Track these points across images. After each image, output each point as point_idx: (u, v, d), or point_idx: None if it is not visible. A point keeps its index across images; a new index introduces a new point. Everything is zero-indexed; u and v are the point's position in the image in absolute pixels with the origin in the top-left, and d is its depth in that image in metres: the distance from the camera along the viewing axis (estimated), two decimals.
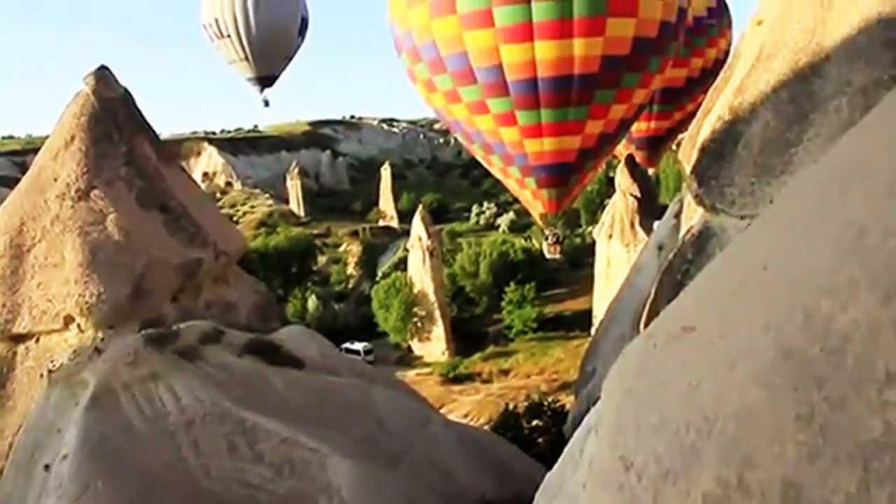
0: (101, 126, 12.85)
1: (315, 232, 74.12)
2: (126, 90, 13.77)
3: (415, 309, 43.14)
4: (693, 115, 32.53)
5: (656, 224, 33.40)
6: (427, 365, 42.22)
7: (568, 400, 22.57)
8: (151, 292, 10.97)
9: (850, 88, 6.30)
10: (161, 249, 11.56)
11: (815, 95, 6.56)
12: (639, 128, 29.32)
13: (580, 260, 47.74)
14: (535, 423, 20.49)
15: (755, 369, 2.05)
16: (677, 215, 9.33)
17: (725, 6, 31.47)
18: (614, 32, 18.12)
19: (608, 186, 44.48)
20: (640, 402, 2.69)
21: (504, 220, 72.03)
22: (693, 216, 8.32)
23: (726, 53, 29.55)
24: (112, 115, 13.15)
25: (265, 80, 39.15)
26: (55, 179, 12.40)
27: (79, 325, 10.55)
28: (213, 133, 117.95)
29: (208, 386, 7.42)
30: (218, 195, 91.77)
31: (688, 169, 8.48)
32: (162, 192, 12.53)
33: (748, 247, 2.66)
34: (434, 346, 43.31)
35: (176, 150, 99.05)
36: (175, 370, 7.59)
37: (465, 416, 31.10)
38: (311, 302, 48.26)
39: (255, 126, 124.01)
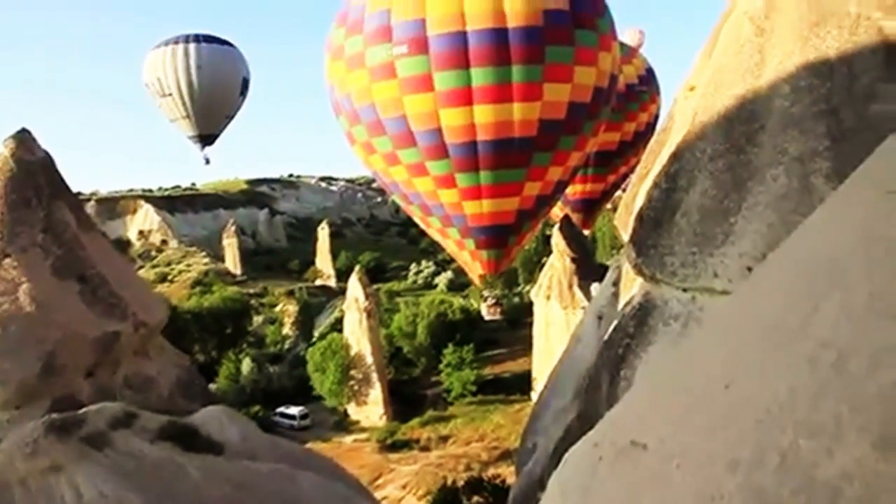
0: (19, 191, 12.17)
1: (251, 291, 72.92)
2: (47, 153, 13.15)
3: (351, 372, 42.22)
4: (626, 177, 34.21)
5: (594, 286, 33.90)
6: (364, 430, 41.29)
7: (509, 471, 22.12)
8: (64, 368, 10.22)
9: (785, 157, 6.18)
10: (76, 322, 10.84)
11: (751, 163, 6.44)
12: (574, 190, 30.22)
13: (519, 319, 47.65)
14: (475, 499, 19.91)
15: None
16: (616, 283, 9.10)
17: (653, 73, 33.33)
18: (551, 97, 18.64)
19: (545, 245, 44.90)
20: None
21: (442, 279, 72.10)
22: (632, 285, 8.10)
23: (656, 118, 31.63)
24: (31, 180, 12.47)
25: (206, 138, 39.13)
26: None
27: None
28: (151, 190, 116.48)
29: (115, 477, 6.71)
30: (154, 253, 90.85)
31: (625, 236, 8.30)
32: (80, 261, 11.83)
33: (706, 352, 2.31)
34: (371, 410, 42.32)
35: (112, 208, 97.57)
36: (79, 460, 6.87)
37: (403, 487, 30.31)
38: (246, 364, 46.97)
39: (193, 184, 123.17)
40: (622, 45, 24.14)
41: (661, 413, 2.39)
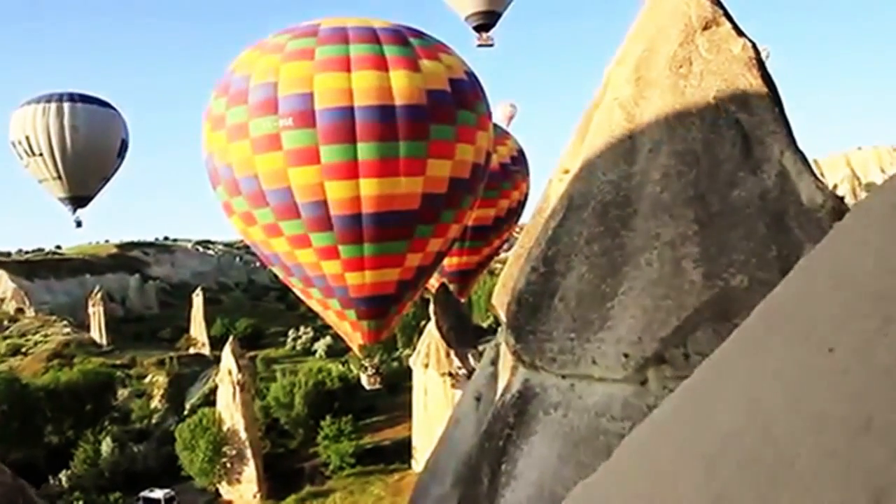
0: None
1: (118, 362, 68.81)
2: None
3: (224, 448, 39.84)
4: (499, 249, 36.44)
5: (471, 356, 34.30)
6: None
7: None
8: None
9: (658, 242, 6.33)
10: None
11: (625, 248, 6.55)
12: (451, 262, 31.62)
13: (398, 385, 46.93)
14: None
15: None
16: (494, 362, 9.01)
17: (524, 154, 36.51)
18: (433, 173, 19.39)
19: (423, 309, 44.83)
20: None
21: (321, 345, 70.82)
22: (510, 367, 8.02)
23: (526, 195, 35.08)
24: None
25: (79, 200, 37.13)
26: None
27: None
28: (8, 254, 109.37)
29: None
30: (6, 323, 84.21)
31: (502, 315, 8.27)
32: None
33: None
34: (245, 489, 40.07)
35: None
36: None
37: None
38: (105, 445, 43.15)
39: (58, 247, 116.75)
40: (495, 126, 25.64)
41: None
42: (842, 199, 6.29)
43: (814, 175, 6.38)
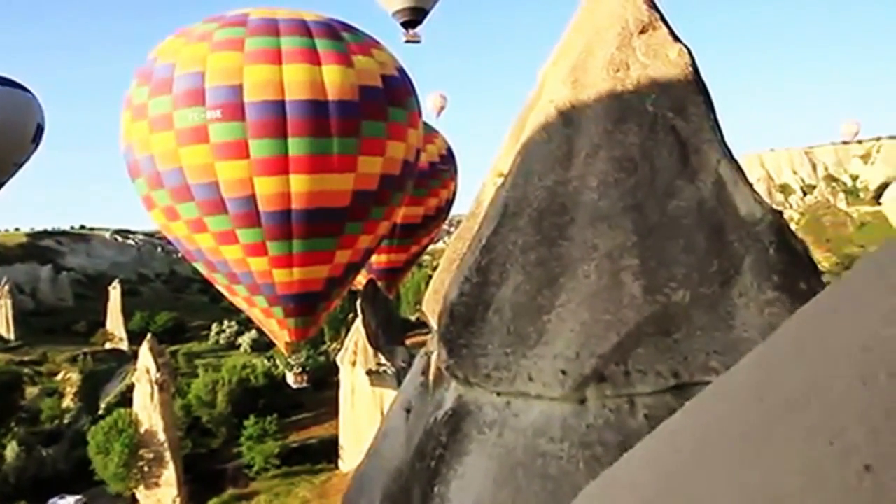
0: None
1: (26, 359, 65.74)
2: None
3: (141, 451, 38.26)
4: (426, 247, 36.36)
5: (400, 352, 34.11)
6: None
7: None
8: None
9: (596, 253, 6.12)
10: None
11: (562, 258, 6.31)
12: (379, 260, 31.77)
13: (324, 380, 46.13)
14: None
15: None
16: (424, 372, 8.69)
17: (452, 153, 36.86)
18: (364, 169, 19.25)
19: (350, 303, 44.17)
20: None
21: (246, 339, 69.39)
22: (442, 379, 7.72)
23: (454, 194, 35.96)
24: None
25: None
26: None
27: None
28: None
29: None
30: None
31: (433, 322, 7.97)
32: None
33: None
34: (163, 493, 38.59)
35: None
36: None
37: None
38: (11, 449, 40.86)
39: None
40: (424, 124, 25.52)
41: None
42: (780, 213, 6.19)
43: (749, 185, 6.27)
